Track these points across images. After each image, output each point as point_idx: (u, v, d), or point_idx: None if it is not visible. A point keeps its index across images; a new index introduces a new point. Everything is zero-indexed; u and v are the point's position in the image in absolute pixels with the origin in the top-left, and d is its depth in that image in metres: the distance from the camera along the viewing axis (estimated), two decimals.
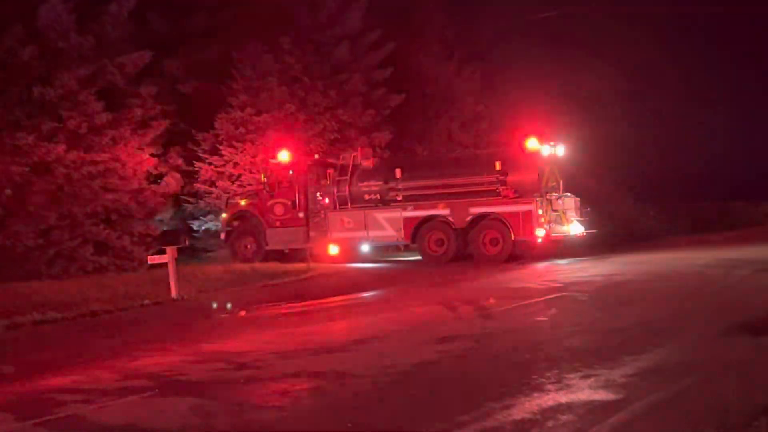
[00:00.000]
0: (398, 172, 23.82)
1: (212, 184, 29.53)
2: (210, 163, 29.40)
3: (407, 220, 23.42)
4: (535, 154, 22.42)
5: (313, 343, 10.84)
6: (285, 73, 30.17)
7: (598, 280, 17.08)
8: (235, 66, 30.15)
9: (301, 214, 25.18)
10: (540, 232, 21.74)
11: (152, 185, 26.78)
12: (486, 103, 38.09)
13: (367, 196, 24.31)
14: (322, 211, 24.86)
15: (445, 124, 36.75)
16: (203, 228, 29.79)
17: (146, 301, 16.56)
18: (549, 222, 21.94)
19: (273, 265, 23.41)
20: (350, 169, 24.64)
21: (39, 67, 22.55)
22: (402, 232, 23.51)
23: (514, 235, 22.03)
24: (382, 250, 26.01)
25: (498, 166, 22.45)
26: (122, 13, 24.88)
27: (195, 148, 29.78)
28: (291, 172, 25.48)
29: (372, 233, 23.99)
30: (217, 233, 29.68)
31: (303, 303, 15.86)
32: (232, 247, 26.21)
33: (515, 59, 38.05)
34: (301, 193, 25.31)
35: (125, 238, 23.89)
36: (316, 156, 26.48)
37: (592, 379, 7.83)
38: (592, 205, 24.26)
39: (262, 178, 26.12)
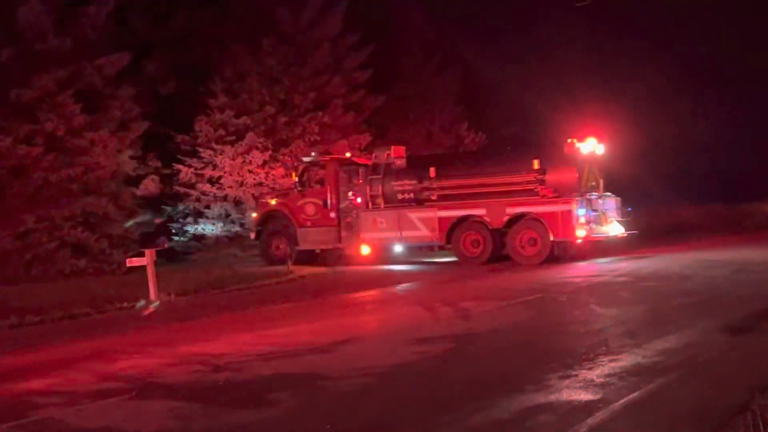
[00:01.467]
0: (432, 171, 23.13)
1: (192, 186, 29.44)
2: (189, 166, 29.31)
3: (442, 220, 22.74)
4: (575, 153, 21.89)
5: (292, 345, 10.80)
6: (265, 74, 30.17)
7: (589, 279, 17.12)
8: (215, 67, 30.08)
9: (332, 214, 24.53)
10: (580, 233, 21.15)
11: (131, 187, 26.69)
12: (466, 104, 38.23)
13: (400, 196, 23.65)
14: (354, 211, 24.21)
15: (426, 125, 36.79)
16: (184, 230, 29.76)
17: (125, 304, 16.45)
18: (589, 222, 21.42)
19: (254, 268, 23.36)
20: (383, 168, 23.96)
21: (17, 69, 22.42)
22: (437, 232, 22.85)
23: (552, 235, 21.35)
24: (416, 251, 25.01)
25: (536, 164, 21.81)
26: (101, 14, 24.80)
27: (174, 150, 29.68)
28: (322, 170, 24.91)
29: (405, 233, 23.36)
30: (196, 236, 29.66)
31: (283, 305, 15.80)
32: (263, 247, 25.71)
33: (501, 61, 38.41)
34: (332, 192, 24.63)
35: (103, 240, 23.80)
36: (349, 154, 25.98)
37: (570, 380, 7.84)
38: (632, 205, 23.68)
39: (294, 177, 25.56)
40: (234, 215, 29.74)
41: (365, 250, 24.10)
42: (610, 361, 8.54)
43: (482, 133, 37.74)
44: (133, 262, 18.21)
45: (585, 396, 7.27)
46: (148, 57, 29.95)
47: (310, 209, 24.86)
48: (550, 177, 21.78)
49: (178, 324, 14.11)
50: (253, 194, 28.50)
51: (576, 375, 8.00)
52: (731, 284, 15.41)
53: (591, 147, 22.28)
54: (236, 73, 29.94)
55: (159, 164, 29.31)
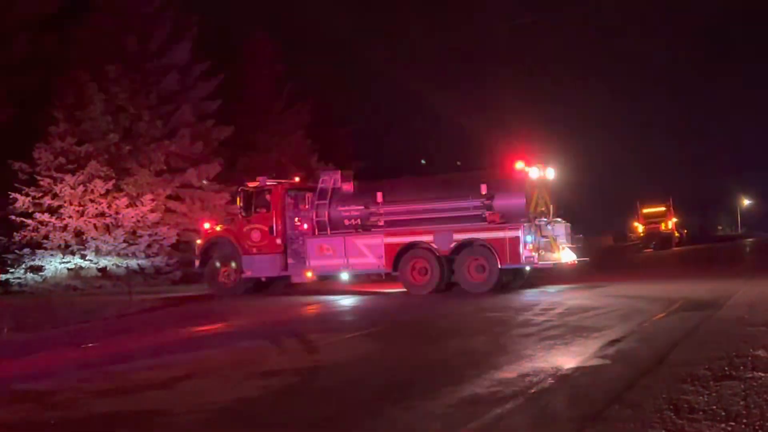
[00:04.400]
0: (379, 196, 22.35)
1: (29, 215, 28.30)
2: (27, 194, 28.18)
3: (389, 246, 21.94)
4: (523, 178, 21.28)
5: (129, 382, 10.46)
6: (109, 102, 29.43)
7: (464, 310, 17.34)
8: (56, 93, 29.13)
9: (278, 241, 23.59)
10: (528, 260, 20.64)
11: None
12: (314, 138, 38.52)
13: (347, 221, 22.76)
14: (301, 237, 23.38)
15: (277, 157, 36.74)
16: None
17: None
18: (537, 249, 20.83)
19: (94, 300, 22.58)
20: (330, 193, 23.06)
21: None
22: (383, 259, 22.03)
23: (500, 262, 20.69)
24: (364, 278, 24.34)
25: (483, 189, 21.15)
26: None
27: (11, 179, 28.47)
28: (268, 196, 23.93)
29: (352, 260, 22.51)
30: (33, 268, 28.49)
31: (123, 339, 15.34)
32: (208, 275, 24.58)
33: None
34: (278, 218, 23.73)
35: None
36: (296, 179, 25.08)
37: (411, 411, 7.92)
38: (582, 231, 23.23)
39: (238, 203, 24.59)
40: (74, 246, 28.74)
41: (312, 277, 23.35)
42: (451, 392, 8.67)
43: (332, 164, 37.94)
44: None
45: (425, 427, 7.36)
46: None
47: (255, 235, 23.90)
48: (498, 202, 21.20)
49: (12, 360, 13.47)
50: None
51: (416, 406, 8.09)
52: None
53: (540, 171, 21.85)
54: (78, 100, 29.06)
55: None
